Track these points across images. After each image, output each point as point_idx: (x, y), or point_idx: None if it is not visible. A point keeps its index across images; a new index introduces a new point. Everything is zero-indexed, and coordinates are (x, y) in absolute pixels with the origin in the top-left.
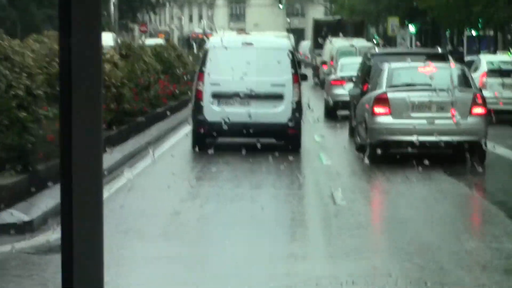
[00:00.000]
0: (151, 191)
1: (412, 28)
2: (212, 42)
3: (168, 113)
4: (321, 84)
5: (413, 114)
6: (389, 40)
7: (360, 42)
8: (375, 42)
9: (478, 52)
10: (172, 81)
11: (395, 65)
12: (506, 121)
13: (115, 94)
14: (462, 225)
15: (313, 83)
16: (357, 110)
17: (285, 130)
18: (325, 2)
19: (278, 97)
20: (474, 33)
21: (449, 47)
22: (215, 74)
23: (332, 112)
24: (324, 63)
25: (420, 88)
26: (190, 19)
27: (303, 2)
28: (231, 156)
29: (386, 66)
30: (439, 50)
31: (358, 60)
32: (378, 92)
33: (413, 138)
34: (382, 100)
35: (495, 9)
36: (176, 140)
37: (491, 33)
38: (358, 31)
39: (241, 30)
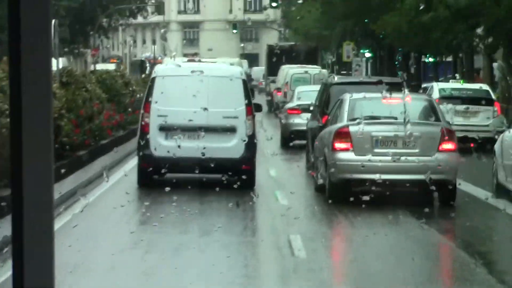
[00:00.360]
0: (86, 238)
1: (367, 54)
2: (159, 69)
3: (116, 140)
4: (275, 110)
5: (377, 150)
6: (343, 66)
7: (314, 69)
8: (328, 68)
9: (436, 79)
10: (119, 110)
11: (356, 95)
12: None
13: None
14: (440, 285)
15: (267, 110)
16: (315, 144)
17: (238, 166)
18: (279, 28)
19: (231, 130)
20: (430, 59)
21: (404, 75)
22: (162, 104)
23: (289, 142)
24: (278, 89)
25: (384, 122)
26: (144, 43)
27: (257, 27)
28: (178, 194)
29: (347, 97)
30: (400, 78)
31: (314, 88)
32: (338, 125)
33: (377, 176)
34: (343, 134)
35: (454, 35)
36: (120, 176)
37: (449, 59)
38: (311, 57)
39: (193, 56)
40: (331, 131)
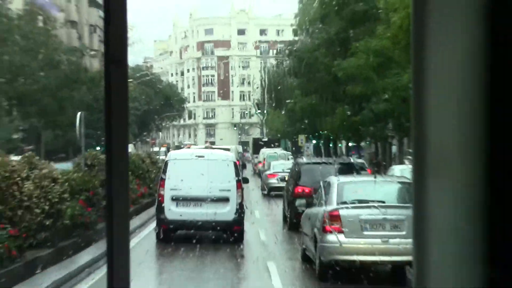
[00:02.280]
0: None
1: (314, 141)
2: (171, 155)
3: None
4: (259, 175)
5: (366, 233)
6: (299, 149)
7: (280, 151)
8: (288, 150)
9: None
10: (144, 184)
11: (344, 179)
12: None
13: (49, 211)
14: None
15: (252, 173)
16: (302, 221)
17: (231, 227)
18: (261, 127)
19: (225, 199)
20: (350, 144)
21: (345, 157)
22: (173, 181)
23: (268, 194)
24: (259, 162)
25: (373, 205)
26: (188, 135)
27: (248, 126)
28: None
29: (335, 181)
30: (350, 159)
31: (282, 162)
32: (329, 208)
33: (367, 258)
34: (333, 217)
35: (378, 129)
36: (143, 236)
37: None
38: (277, 144)
39: (209, 143)
40: (321, 213)
